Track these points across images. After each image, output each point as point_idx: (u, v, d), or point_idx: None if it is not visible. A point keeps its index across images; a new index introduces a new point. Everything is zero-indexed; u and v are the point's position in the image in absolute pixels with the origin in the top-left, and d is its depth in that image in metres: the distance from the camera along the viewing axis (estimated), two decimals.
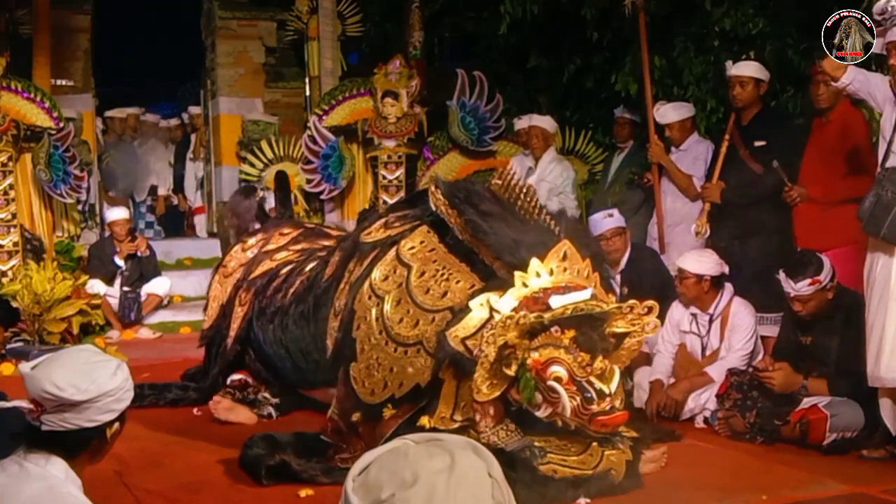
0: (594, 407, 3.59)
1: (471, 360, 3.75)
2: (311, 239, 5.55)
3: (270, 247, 5.54)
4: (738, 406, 4.66)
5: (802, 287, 4.51)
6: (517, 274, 3.81)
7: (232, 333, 5.33)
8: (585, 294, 3.74)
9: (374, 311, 4.14)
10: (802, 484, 3.98)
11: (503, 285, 3.83)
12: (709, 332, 5.14)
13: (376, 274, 4.23)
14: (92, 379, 2.23)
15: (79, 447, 2.27)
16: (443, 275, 4.08)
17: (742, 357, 5.01)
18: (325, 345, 4.52)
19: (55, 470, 2.23)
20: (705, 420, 4.93)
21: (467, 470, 1.17)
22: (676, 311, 5.26)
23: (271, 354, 5.05)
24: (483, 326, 3.76)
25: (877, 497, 3.81)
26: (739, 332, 5.06)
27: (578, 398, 3.60)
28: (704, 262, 5.12)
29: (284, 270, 5.22)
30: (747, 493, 3.83)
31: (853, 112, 5.21)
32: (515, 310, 3.68)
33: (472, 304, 3.84)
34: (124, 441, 2.43)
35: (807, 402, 4.44)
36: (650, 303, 3.90)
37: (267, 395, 5.22)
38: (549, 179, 7.24)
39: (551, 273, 3.83)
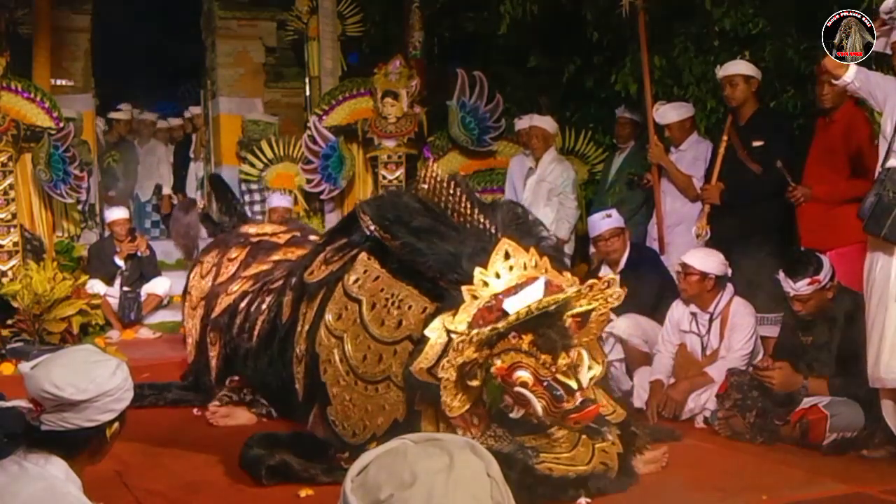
0: (565, 405, 3.54)
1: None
2: (260, 258, 5.49)
3: (223, 278, 5.50)
4: (738, 406, 4.65)
5: (801, 287, 4.50)
6: (464, 289, 3.73)
7: (212, 373, 5.38)
8: (538, 286, 3.65)
9: (336, 353, 4.10)
10: (802, 484, 3.98)
11: (454, 303, 3.74)
12: (709, 331, 5.14)
13: (329, 315, 4.20)
14: (91, 378, 2.23)
15: (78, 447, 2.27)
16: (393, 303, 4.00)
17: (742, 357, 5.01)
18: (295, 389, 4.51)
19: (55, 470, 2.22)
20: (705, 420, 4.92)
21: (466, 470, 1.17)
22: (676, 310, 5.25)
23: (262, 389, 5.09)
24: (445, 352, 3.68)
25: (877, 497, 3.80)
26: (739, 332, 5.05)
27: (547, 397, 3.56)
28: (710, 261, 5.11)
29: (243, 304, 5.20)
30: (747, 493, 3.83)
31: (857, 112, 5.20)
32: (471, 325, 3.61)
33: (428, 332, 3.74)
34: (124, 441, 2.43)
35: (807, 402, 4.44)
36: (610, 277, 3.87)
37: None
38: (549, 180, 7.24)
39: (498, 277, 3.77)
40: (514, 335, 3.59)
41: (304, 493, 3.86)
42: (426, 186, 4.10)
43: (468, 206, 4.00)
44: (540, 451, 3.75)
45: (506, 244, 3.84)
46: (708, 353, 5.13)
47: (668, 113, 6.39)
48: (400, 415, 3.90)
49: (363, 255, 4.23)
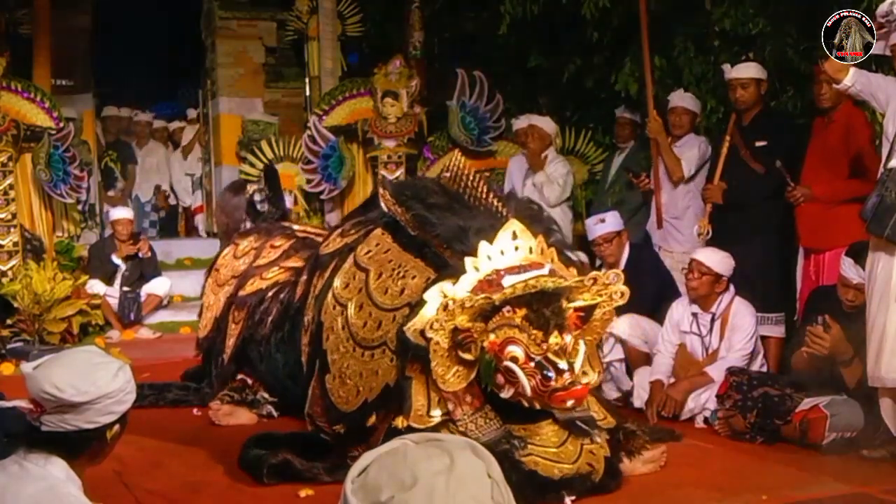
0: (553, 383, 3.54)
1: None
2: (302, 252, 5.52)
3: (261, 262, 5.51)
4: (738, 406, 4.65)
5: None
6: (468, 260, 3.76)
7: (228, 351, 5.36)
8: (542, 272, 3.68)
9: (339, 320, 4.14)
10: (802, 484, 3.98)
11: (456, 273, 3.78)
12: (710, 332, 5.14)
13: (337, 283, 4.26)
14: (92, 381, 2.22)
15: (78, 448, 2.27)
16: (399, 273, 4.07)
17: (742, 357, 5.01)
18: (302, 363, 4.53)
19: (55, 470, 2.23)
20: (705, 420, 4.93)
21: (466, 471, 1.17)
22: (677, 311, 5.25)
23: (268, 381, 5.13)
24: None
25: (877, 497, 3.80)
26: (740, 332, 5.05)
27: (537, 377, 3.56)
28: (726, 263, 5.11)
29: (271, 294, 5.24)
30: (747, 493, 3.83)
31: (856, 112, 5.20)
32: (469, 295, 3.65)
33: (426, 295, 3.77)
34: (124, 441, 2.42)
35: (807, 403, 4.44)
36: (615, 271, 3.87)
37: (265, 394, 5.22)
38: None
39: (503, 254, 3.78)
40: (509, 309, 3.61)
41: (304, 493, 3.86)
42: (448, 175, 4.24)
43: (484, 190, 4.12)
44: (528, 443, 3.74)
45: (515, 224, 3.86)
46: (708, 353, 5.13)
47: (685, 97, 6.41)
48: (391, 379, 3.91)
49: (378, 231, 4.33)
